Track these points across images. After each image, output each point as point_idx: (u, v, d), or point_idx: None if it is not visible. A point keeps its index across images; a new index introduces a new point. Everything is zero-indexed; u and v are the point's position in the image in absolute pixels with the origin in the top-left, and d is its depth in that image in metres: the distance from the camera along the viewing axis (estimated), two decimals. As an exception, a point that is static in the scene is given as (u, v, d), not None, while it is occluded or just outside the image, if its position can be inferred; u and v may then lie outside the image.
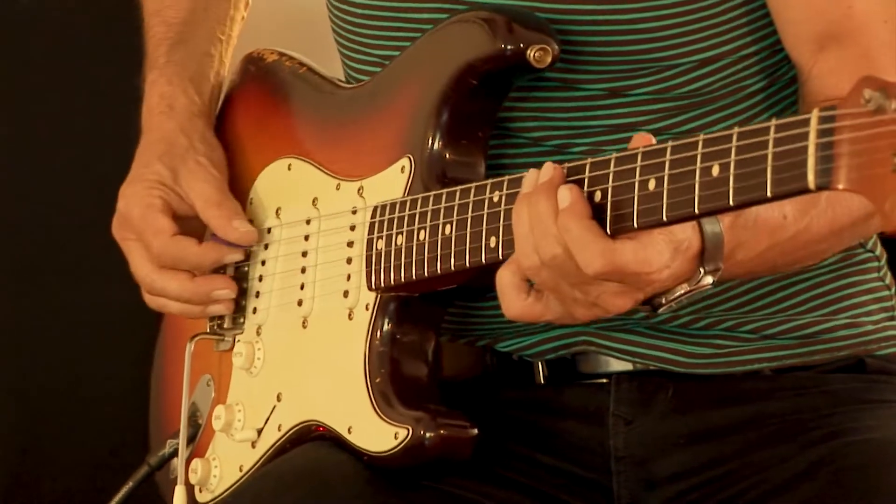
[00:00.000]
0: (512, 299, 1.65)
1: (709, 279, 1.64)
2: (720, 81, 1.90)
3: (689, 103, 1.89)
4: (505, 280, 1.65)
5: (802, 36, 1.89)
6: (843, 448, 1.81)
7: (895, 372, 1.96)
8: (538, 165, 1.73)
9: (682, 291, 1.65)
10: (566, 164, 1.67)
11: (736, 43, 1.91)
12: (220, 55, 2.15)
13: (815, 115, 1.44)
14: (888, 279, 2.01)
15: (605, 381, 1.88)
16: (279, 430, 1.89)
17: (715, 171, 1.53)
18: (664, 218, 1.55)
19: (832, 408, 1.87)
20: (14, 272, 2.77)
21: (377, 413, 1.79)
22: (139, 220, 1.95)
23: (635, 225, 1.58)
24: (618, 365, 1.88)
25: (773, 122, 1.49)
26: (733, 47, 1.91)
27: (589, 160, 1.64)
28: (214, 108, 2.11)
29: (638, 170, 1.59)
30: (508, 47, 1.80)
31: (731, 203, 1.51)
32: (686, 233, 1.61)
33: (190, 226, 1.96)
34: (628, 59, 1.88)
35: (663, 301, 1.67)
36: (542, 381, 1.90)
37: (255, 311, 1.97)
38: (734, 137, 1.52)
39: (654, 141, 1.65)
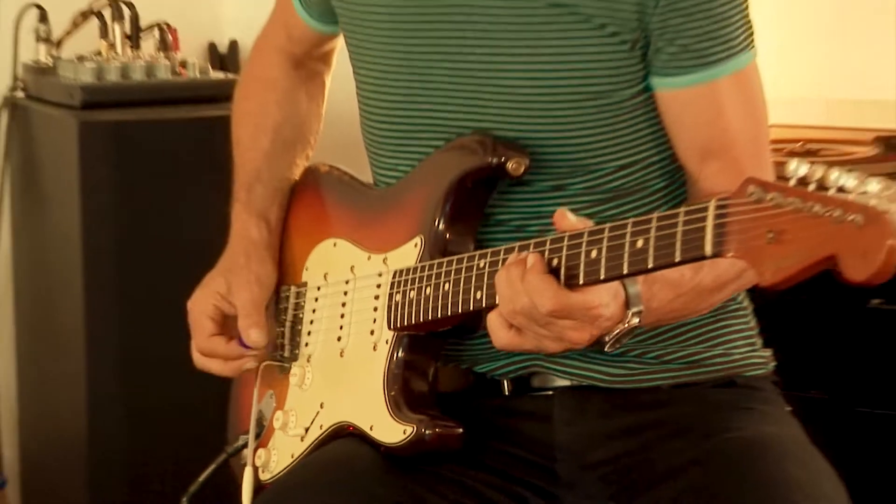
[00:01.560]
0: (500, 335, 1.87)
1: (636, 320, 1.86)
2: (633, 181, 2.13)
3: (611, 196, 2.11)
4: (493, 321, 1.87)
5: (691, 150, 2.12)
6: (721, 443, 2.03)
7: (757, 388, 2.18)
8: (507, 242, 1.97)
9: (619, 330, 1.86)
10: (534, 240, 1.88)
11: (644, 153, 2.14)
12: (289, 181, 2.34)
13: (712, 204, 1.66)
14: (752, 322, 2.22)
15: (551, 393, 2.12)
16: (321, 428, 2.13)
17: (639, 244, 1.74)
18: (601, 277, 1.78)
19: (712, 413, 2.10)
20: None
21: (391, 416, 2.03)
22: (194, 320, 2.23)
23: (580, 282, 1.80)
24: (560, 381, 2.11)
25: (683, 208, 1.71)
26: (643, 157, 2.13)
27: (549, 237, 1.86)
28: (275, 214, 2.30)
29: (584, 243, 1.80)
30: (494, 161, 2.04)
31: (649, 266, 1.74)
32: (615, 286, 1.83)
33: (234, 324, 2.20)
34: (567, 164, 2.10)
35: (607, 339, 1.87)
36: (507, 393, 2.13)
37: (307, 344, 2.21)
38: (654, 220, 1.74)
39: (568, 216, 1.86)
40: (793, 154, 2.75)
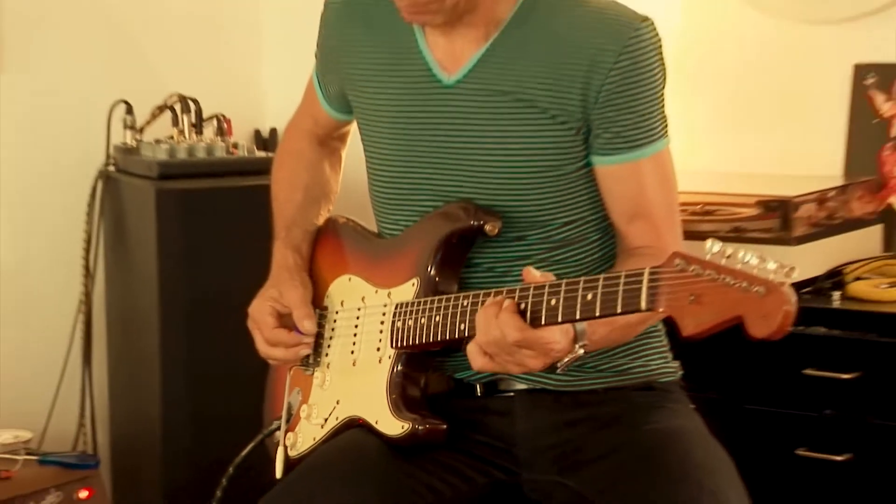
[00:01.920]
0: (476, 360, 1.86)
1: (581, 351, 1.86)
2: (576, 233, 2.09)
3: (559, 244, 2.09)
4: (471, 349, 1.86)
5: (619, 212, 2.08)
6: (641, 433, 2.03)
7: (669, 391, 2.15)
8: (481, 280, 2.04)
9: (567, 359, 1.86)
10: (507, 288, 1.86)
11: (585, 213, 2.10)
12: (315, 226, 2.29)
13: (647, 270, 1.69)
14: (665, 340, 2.18)
15: (512, 394, 2.09)
16: (336, 419, 2.10)
17: (588, 297, 1.75)
18: (559, 320, 1.79)
19: (635, 410, 2.08)
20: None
21: (392, 414, 2.02)
22: (259, 319, 2.17)
23: (542, 323, 1.80)
24: (519, 385, 2.09)
25: (624, 271, 1.73)
26: (583, 215, 2.10)
27: (519, 287, 1.84)
28: (305, 250, 2.25)
29: (546, 293, 1.80)
30: (475, 224, 2.02)
31: (596, 315, 1.75)
32: (567, 327, 1.83)
33: (289, 320, 2.15)
34: (527, 220, 2.06)
35: (558, 365, 1.87)
36: (479, 394, 2.10)
37: (327, 355, 2.17)
38: (601, 279, 1.75)
39: (533, 272, 1.85)
40: (695, 214, 2.74)
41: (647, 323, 2.07)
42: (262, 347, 2.18)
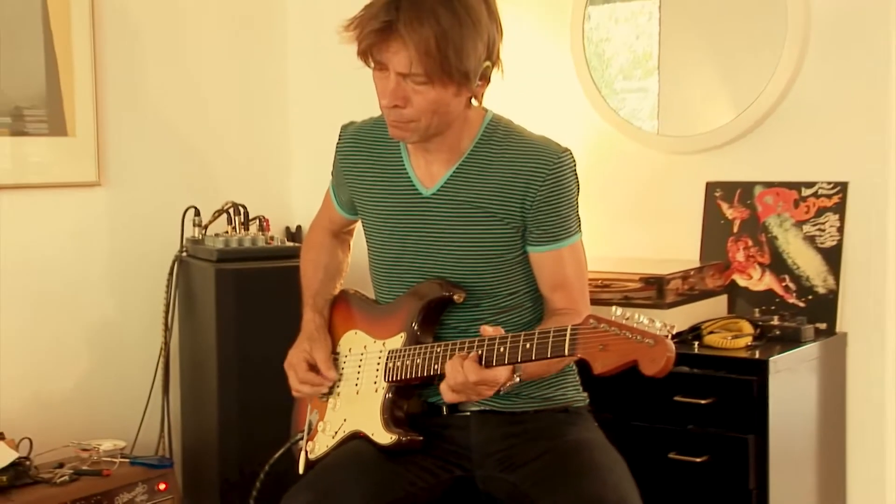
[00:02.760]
0: (447, 395, 1.85)
1: (518, 380, 1.85)
2: (516, 301, 2.06)
3: (504, 309, 2.05)
4: (443, 388, 1.85)
5: (546, 285, 2.05)
6: (560, 443, 2.00)
7: (580, 413, 2.12)
8: (448, 334, 2.00)
9: (510, 384, 1.84)
10: (468, 340, 1.85)
11: (522, 287, 2.06)
12: (332, 295, 2.24)
13: (569, 328, 1.69)
14: (577, 377, 2.14)
15: (468, 414, 2.04)
16: (344, 432, 2.06)
17: (528, 345, 1.76)
18: (505, 362, 1.79)
19: (556, 426, 2.04)
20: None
21: (384, 428, 1.99)
22: (295, 364, 2.12)
23: (493, 364, 1.81)
24: (474, 407, 2.04)
25: (552, 328, 1.73)
26: (519, 289, 2.06)
27: (477, 339, 1.84)
28: (327, 314, 2.20)
29: (497, 344, 1.81)
30: (446, 294, 2.00)
31: (532, 358, 1.76)
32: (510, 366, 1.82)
33: (315, 368, 2.11)
34: (481, 292, 2.03)
35: (501, 390, 1.85)
36: (444, 414, 2.05)
37: (337, 387, 2.12)
38: (536, 334, 1.75)
39: (488, 328, 1.84)
40: (597, 286, 2.70)
41: (564, 362, 2.04)
42: (295, 384, 2.13)
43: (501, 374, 1.81)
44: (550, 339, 1.73)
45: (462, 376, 1.81)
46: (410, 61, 1.81)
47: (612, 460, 1.97)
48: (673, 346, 1.60)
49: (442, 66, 1.81)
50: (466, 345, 1.85)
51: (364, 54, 1.88)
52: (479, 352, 1.82)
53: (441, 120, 1.91)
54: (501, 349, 1.80)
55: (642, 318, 1.63)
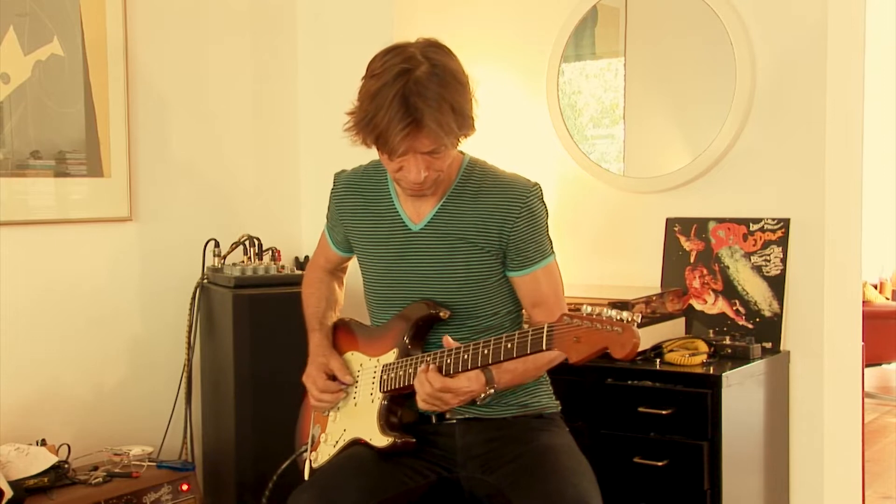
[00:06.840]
0: (420, 404, 1.88)
1: (492, 391, 1.86)
2: (495, 322, 2.05)
3: (486, 328, 2.03)
4: (417, 398, 1.89)
5: (526, 302, 2.04)
6: (534, 446, 1.99)
7: (553, 419, 2.09)
8: (435, 348, 1.94)
9: (483, 395, 1.86)
10: (433, 353, 1.86)
11: (503, 307, 2.06)
12: (334, 317, 2.22)
13: (546, 325, 1.68)
14: (550, 387, 2.13)
15: (454, 421, 2.03)
16: (344, 441, 2.05)
17: (510, 345, 1.75)
18: (469, 367, 1.79)
19: (530, 432, 2.03)
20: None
21: (381, 433, 1.99)
22: (315, 376, 2.09)
23: (459, 370, 1.82)
24: (459, 415, 2.03)
25: (530, 328, 1.71)
26: (499, 310, 2.05)
27: (441, 351, 1.84)
28: (331, 337, 2.17)
29: (461, 351, 1.79)
30: (433, 311, 1.98)
31: (514, 355, 1.73)
32: (477, 374, 1.83)
33: (332, 377, 2.08)
34: (465, 312, 2.02)
35: (478, 401, 1.89)
36: (433, 422, 2.03)
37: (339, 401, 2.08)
38: (516, 334, 1.74)
39: (450, 340, 1.83)
40: (570, 310, 2.69)
41: (542, 369, 2.02)
42: (316, 394, 2.09)
43: (465, 383, 1.81)
44: (530, 337, 1.71)
45: (428, 386, 1.81)
46: (438, 142, 1.82)
47: (576, 462, 1.95)
48: (638, 332, 1.57)
49: (458, 133, 1.84)
50: (445, 354, 1.84)
51: (390, 152, 1.84)
52: (440, 363, 1.82)
53: (448, 169, 1.95)
54: (465, 356, 1.80)
55: (610, 312, 1.62)
